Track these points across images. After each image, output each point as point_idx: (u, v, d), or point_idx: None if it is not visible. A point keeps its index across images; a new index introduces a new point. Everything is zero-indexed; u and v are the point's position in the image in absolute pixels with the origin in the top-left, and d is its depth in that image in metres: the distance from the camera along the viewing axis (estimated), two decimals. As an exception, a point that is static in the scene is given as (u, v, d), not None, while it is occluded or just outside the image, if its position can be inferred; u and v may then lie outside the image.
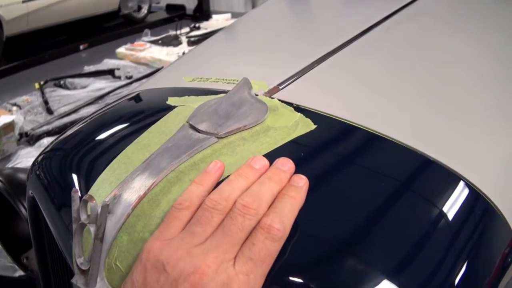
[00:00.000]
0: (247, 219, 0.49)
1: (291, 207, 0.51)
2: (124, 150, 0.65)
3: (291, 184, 0.53)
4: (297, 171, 0.57)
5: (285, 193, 0.52)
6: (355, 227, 0.54)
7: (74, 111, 4.22)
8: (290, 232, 0.50)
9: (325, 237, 0.53)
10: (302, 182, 0.53)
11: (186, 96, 0.77)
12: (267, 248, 0.47)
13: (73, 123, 3.44)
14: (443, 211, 0.58)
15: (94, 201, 0.52)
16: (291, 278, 0.49)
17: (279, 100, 0.71)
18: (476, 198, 0.62)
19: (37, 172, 0.78)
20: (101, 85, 4.82)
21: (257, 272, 0.47)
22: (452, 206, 0.59)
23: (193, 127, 0.64)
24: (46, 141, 3.60)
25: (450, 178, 0.62)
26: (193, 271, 0.45)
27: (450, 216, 0.57)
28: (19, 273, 1.75)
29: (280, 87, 0.76)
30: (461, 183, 0.62)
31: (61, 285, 0.82)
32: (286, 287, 0.50)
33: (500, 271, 0.58)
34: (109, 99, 4.43)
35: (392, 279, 0.49)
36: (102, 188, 0.61)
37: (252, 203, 0.50)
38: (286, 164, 0.55)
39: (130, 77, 5.03)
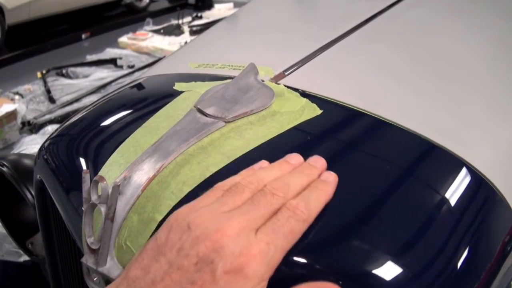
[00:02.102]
0: (275, 198, 0.50)
1: (318, 197, 0.52)
2: (133, 134, 0.66)
3: (320, 178, 0.55)
4: (304, 155, 0.58)
5: (314, 186, 0.54)
6: (360, 211, 0.55)
7: (77, 100, 4.23)
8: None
9: (331, 220, 0.53)
10: (331, 178, 0.55)
11: (193, 82, 0.78)
12: (291, 225, 0.48)
13: (75, 112, 3.45)
14: (447, 196, 0.58)
15: (105, 182, 0.53)
16: (298, 259, 0.50)
17: (285, 86, 0.72)
18: (479, 183, 0.62)
19: (45, 157, 0.79)
20: (103, 74, 4.82)
21: (277, 245, 0.47)
22: (455, 190, 0.59)
23: (200, 111, 0.64)
24: (51, 128, 3.61)
25: (454, 163, 0.63)
26: (215, 230, 0.46)
27: (454, 200, 0.58)
28: (24, 258, 1.76)
29: (286, 73, 0.77)
30: (465, 168, 0.62)
31: (68, 268, 0.83)
32: (294, 268, 0.50)
33: (502, 255, 0.59)
34: (111, 88, 4.42)
35: (396, 261, 0.50)
36: (112, 170, 0.61)
37: (282, 187, 0.52)
38: (318, 162, 0.57)
39: (132, 67, 5.04)
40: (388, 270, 0.49)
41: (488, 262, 0.57)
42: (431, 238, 0.54)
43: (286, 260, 0.49)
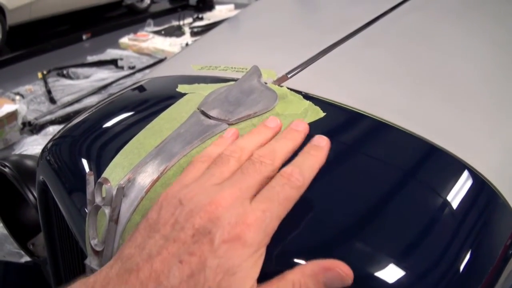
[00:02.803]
0: (264, 166, 0.51)
1: (312, 163, 0.52)
2: (136, 136, 0.66)
3: (312, 143, 0.55)
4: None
5: (306, 151, 0.54)
6: (362, 213, 0.55)
7: (77, 100, 4.23)
8: (299, 215, 0.51)
9: (333, 222, 0.53)
10: (323, 142, 0.55)
11: (196, 84, 0.78)
12: (286, 192, 0.48)
13: (76, 112, 3.44)
14: (449, 199, 0.58)
15: (109, 184, 0.53)
16: (302, 262, 0.50)
17: (288, 88, 0.72)
18: (482, 186, 0.62)
19: (48, 158, 0.79)
20: (104, 75, 4.83)
21: (273, 212, 0.47)
22: (457, 193, 0.59)
23: (204, 114, 0.65)
24: (52, 129, 3.62)
25: (456, 166, 0.63)
26: (208, 202, 0.46)
27: (456, 203, 0.58)
28: (25, 259, 1.76)
29: (289, 76, 0.77)
30: (467, 171, 0.62)
31: (70, 268, 0.83)
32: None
33: (504, 259, 0.59)
34: (112, 89, 4.44)
35: (398, 264, 0.50)
36: (115, 172, 0.61)
37: (268, 154, 0.52)
38: (300, 125, 0.58)
39: (133, 67, 5.04)
40: (391, 273, 0.49)
41: (490, 265, 0.57)
42: (433, 241, 0.54)
43: (291, 262, 0.49)
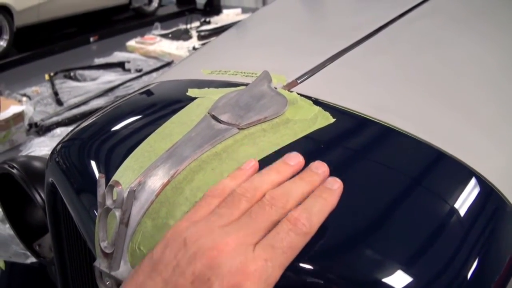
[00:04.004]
0: (274, 210, 0.49)
1: (322, 207, 0.50)
2: (147, 139, 0.67)
3: (325, 186, 0.53)
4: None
5: (318, 194, 0.52)
6: (370, 220, 0.55)
7: (84, 103, 4.24)
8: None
9: (342, 228, 0.54)
10: (336, 185, 0.53)
11: (206, 88, 0.79)
12: (291, 239, 0.47)
13: (83, 114, 3.44)
14: (457, 206, 0.59)
15: (120, 187, 0.53)
16: (308, 267, 0.50)
17: (298, 93, 0.72)
18: (489, 193, 0.62)
19: (57, 160, 0.79)
20: (111, 77, 4.84)
21: (276, 261, 0.46)
22: (465, 200, 0.59)
23: (215, 118, 0.65)
24: (59, 131, 3.62)
25: (464, 173, 0.63)
26: (211, 247, 0.45)
27: (464, 210, 0.58)
28: (31, 259, 1.77)
29: (299, 81, 0.77)
30: (475, 178, 0.63)
31: (77, 270, 0.83)
32: (303, 275, 0.50)
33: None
34: (119, 92, 4.44)
35: (406, 270, 0.50)
36: (126, 175, 0.62)
37: (281, 197, 0.50)
38: (320, 168, 0.55)
39: (140, 70, 5.05)
40: (399, 280, 0.49)
41: (498, 272, 0.57)
42: (440, 248, 0.54)
43: (298, 268, 0.50)
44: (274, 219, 0.49)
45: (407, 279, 0.50)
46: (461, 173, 0.63)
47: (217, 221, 0.49)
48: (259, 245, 0.47)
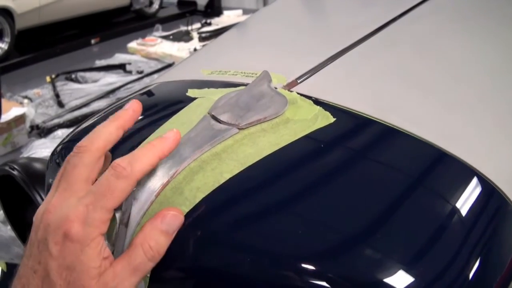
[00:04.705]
0: (79, 156, 0.53)
1: (147, 153, 0.53)
2: (147, 140, 0.67)
3: (163, 135, 0.56)
4: (317, 163, 0.58)
5: (150, 142, 0.55)
6: (371, 219, 0.55)
7: (85, 104, 4.24)
8: (310, 220, 0.51)
9: (343, 228, 0.53)
10: (171, 134, 0.56)
11: (206, 88, 0.78)
12: (109, 183, 0.50)
13: (84, 116, 3.44)
14: (458, 206, 0.58)
15: (119, 187, 0.53)
16: (309, 267, 0.50)
17: (298, 93, 0.72)
18: (491, 193, 0.62)
19: (57, 161, 0.79)
20: (112, 79, 4.84)
21: (96, 204, 0.49)
22: (467, 200, 0.59)
23: (214, 118, 0.65)
24: (60, 132, 3.63)
25: (465, 172, 0.63)
26: (45, 211, 0.50)
27: (465, 210, 0.58)
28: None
29: (299, 81, 0.77)
30: (476, 178, 0.62)
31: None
32: (304, 275, 0.50)
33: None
34: (120, 94, 4.45)
35: (407, 270, 0.50)
36: (125, 175, 0.62)
37: (85, 140, 0.55)
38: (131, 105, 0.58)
39: (141, 72, 5.05)
40: (400, 280, 0.49)
41: (500, 273, 0.57)
42: (442, 248, 0.54)
43: (298, 268, 0.49)
44: (85, 162, 0.53)
45: (409, 279, 0.49)
46: (463, 172, 0.63)
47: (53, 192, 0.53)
48: (83, 196, 0.50)
